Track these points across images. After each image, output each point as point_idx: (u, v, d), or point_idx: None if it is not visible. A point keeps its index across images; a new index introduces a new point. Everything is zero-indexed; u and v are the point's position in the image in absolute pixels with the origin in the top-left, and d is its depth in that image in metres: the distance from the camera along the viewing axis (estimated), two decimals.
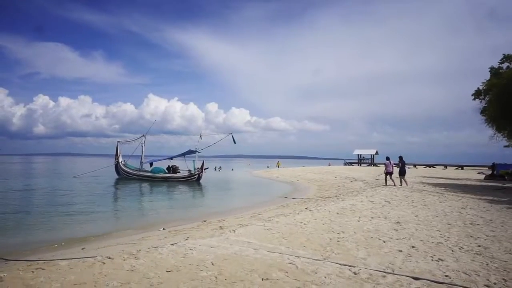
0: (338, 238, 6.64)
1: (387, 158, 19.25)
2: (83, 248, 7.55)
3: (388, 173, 18.82)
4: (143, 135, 30.54)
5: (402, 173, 18.81)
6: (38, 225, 10.62)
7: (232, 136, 29.57)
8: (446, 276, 4.44)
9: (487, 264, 4.99)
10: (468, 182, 24.15)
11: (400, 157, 19.11)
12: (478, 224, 8.15)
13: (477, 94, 24.48)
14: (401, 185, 18.52)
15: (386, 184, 18.80)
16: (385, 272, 4.55)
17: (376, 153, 67.60)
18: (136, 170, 29.81)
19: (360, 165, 65.44)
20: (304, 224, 8.13)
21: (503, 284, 4.16)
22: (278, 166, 59.40)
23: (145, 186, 25.43)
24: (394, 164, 20.04)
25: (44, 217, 11.97)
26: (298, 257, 5.26)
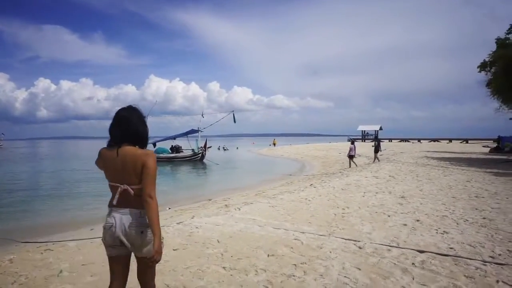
0: (343, 213, 6.67)
1: (376, 137, 22.00)
2: (91, 229, 7.65)
3: (350, 156, 19.45)
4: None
5: (376, 151, 21.39)
6: (48, 207, 10.77)
7: (233, 114, 29.41)
8: (451, 248, 4.45)
9: (492, 236, 4.99)
10: (473, 156, 24.05)
11: (376, 137, 22.19)
12: (483, 197, 8.14)
13: (483, 66, 23.90)
14: (374, 161, 20.59)
15: (350, 167, 18.73)
16: (390, 246, 4.57)
17: (380, 128, 67.30)
18: None
19: (364, 141, 65.34)
20: (309, 200, 8.16)
21: (508, 255, 4.17)
22: (274, 144, 58.46)
23: None
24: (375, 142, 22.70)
25: (53, 199, 12.17)
26: (303, 233, 5.29)
